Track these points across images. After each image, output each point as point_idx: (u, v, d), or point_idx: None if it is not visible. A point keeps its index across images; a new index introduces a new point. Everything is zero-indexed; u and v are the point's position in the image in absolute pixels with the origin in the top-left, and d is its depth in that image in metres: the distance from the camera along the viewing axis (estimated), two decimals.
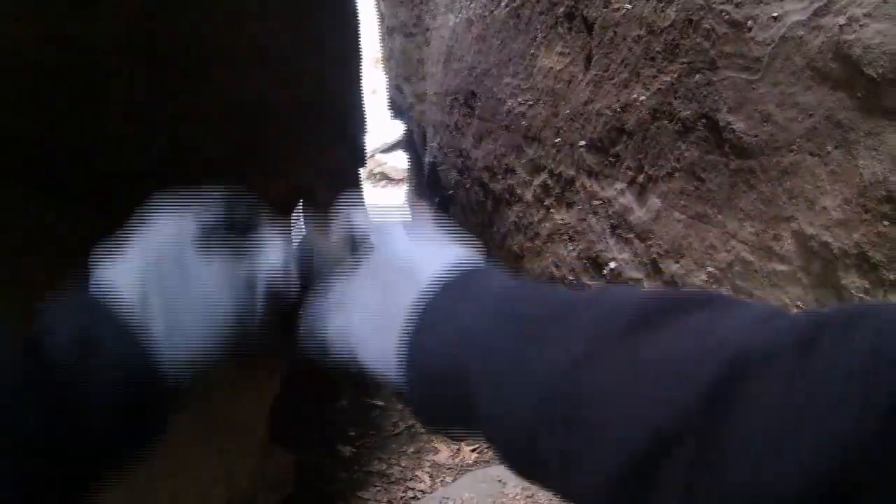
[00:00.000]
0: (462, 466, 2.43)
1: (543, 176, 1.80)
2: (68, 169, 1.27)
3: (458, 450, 2.48)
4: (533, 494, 1.67)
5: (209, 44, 1.48)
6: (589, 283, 1.55)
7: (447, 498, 1.66)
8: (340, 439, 2.40)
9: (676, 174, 1.16)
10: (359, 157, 2.96)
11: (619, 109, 1.36)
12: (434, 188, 3.50)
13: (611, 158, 1.42)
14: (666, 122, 1.18)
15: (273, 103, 1.86)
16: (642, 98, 1.26)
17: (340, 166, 3.13)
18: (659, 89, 1.19)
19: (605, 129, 1.42)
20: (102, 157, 1.33)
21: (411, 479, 2.21)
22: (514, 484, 1.69)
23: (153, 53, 1.36)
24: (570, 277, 1.67)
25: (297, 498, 1.74)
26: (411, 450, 2.45)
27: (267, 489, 1.41)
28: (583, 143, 1.54)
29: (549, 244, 1.81)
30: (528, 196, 1.95)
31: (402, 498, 2.13)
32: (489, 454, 2.42)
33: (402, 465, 2.31)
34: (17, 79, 1.13)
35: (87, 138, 1.28)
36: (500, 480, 1.72)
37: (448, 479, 2.22)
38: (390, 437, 2.51)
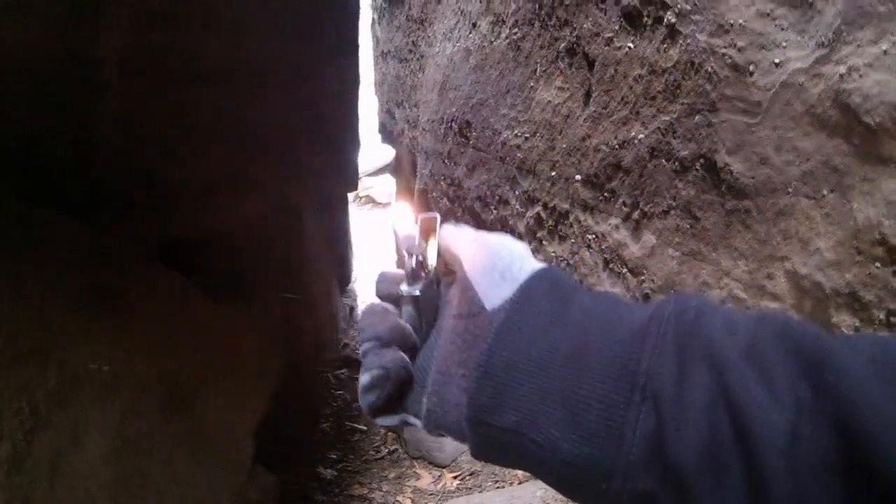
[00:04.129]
0: (444, 493, 2.40)
1: (537, 208, 1.82)
2: (63, 177, 1.26)
3: (440, 476, 2.45)
4: None
5: (206, 61, 1.49)
6: None
7: None
8: (322, 462, 2.36)
9: (672, 212, 1.18)
10: (351, 180, 2.96)
11: (616, 146, 1.38)
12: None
13: (606, 194, 1.44)
14: (664, 160, 1.21)
15: (267, 123, 1.86)
16: (641, 136, 1.28)
17: (331, 188, 3.13)
18: (658, 128, 1.21)
19: (602, 165, 1.44)
20: (94, 165, 1.32)
21: None
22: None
23: (149, 67, 1.36)
24: None
25: None
26: (393, 475, 2.42)
27: None
28: (578, 177, 1.56)
29: None
30: (521, 227, 1.96)
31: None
32: (471, 482, 2.40)
33: (384, 489, 2.27)
34: (15, 86, 1.13)
35: (80, 147, 1.28)
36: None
37: None
38: (372, 461, 2.48)
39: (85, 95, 1.22)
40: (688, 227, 1.14)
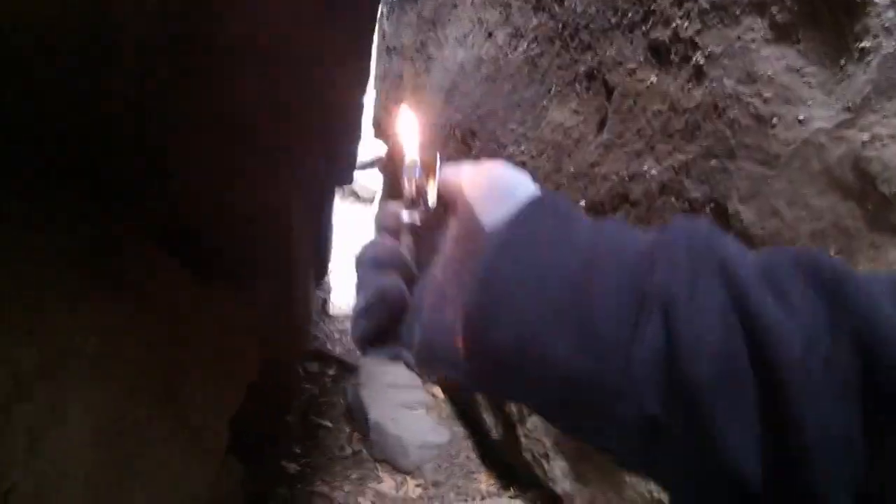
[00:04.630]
0: (405, 500, 2.39)
1: None
2: (68, 156, 1.23)
3: (403, 482, 2.44)
4: None
5: (224, 44, 1.45)
6: None
7: None
8: (286, 456, 2.34)
9: None
10: (347, 174, 2.90)
11: (626, 177, 1.39)
12: None
13: None
14: (673, 198, 1.22)
15: (275, 110, 1.83)
16: (653, 171, 1.29)
17: (326, 180, 3.08)
18: (672, 166, 1.23)
19: (609, 195, 1.46)
20: (101, 146, 1.29)
21: None
22: None
23: (167, 49, 1.32)
24: None
25: None
26: (355, 475, 2.40)
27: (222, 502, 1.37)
28: (583, 203, 1.57)
29: None
30: None
31: None
32: (433, 491, 2.39)
33: (346, 490, 2.26)
34: (30, 57, 1.08)
35: (89, 127, 1.25)
36: None
37: None
38: (336, 459, 2.46)
39: (99, 75, 1.18)
40: None
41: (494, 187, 0.42)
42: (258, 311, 1.75)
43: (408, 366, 0.48)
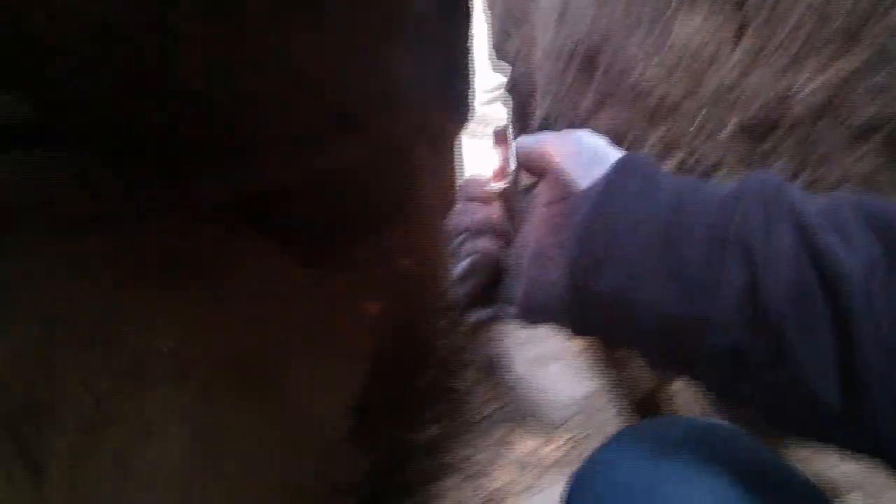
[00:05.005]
0: (542, 466, 2.41)
1: (680, 155, 1.75)
2: (135, 130, 1.22)
3: (547, 441, 2.48)
4: None
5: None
6: None
7: None
8: (416, 425, 2.44)
9: (847, 183, 1.11)
10: (462, 114, 2.88)
11: (775, 97, 1.29)
12: None
13: (766, 148, 1.36)
14: (834, 121, 1.12)
15: (366, 58, 1.74)
16: (806, 90, 1.19)
17: (442, 124, 3.05)
18: (827, 84, 1.12)
19: (759, 116, 1.36)
20: (171, 117, 1.25)
21: (489, 475, 2.23)
22: None
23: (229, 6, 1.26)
24: None
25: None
26: (492, 441, 2.46)
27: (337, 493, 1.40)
28: (731, 126, 1.48)
29: None
30: None
31: (477, 495, 2.16)
32: (581, 449, 2.44)
33: (480, 457, 2.34)
34: (86, 32, 1.03)
35: (155, 98, 1.21)
36: None
37: (529, 478, 2.22)
38: (471, 423, 2.53)
39: (160, 40, 1.11)
40: None
41: (583, 153, 0.49)
42: (378, 281, 1.75)
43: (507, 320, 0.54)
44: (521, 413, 2.61)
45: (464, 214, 0.56)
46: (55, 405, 0.87)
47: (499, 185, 0.56)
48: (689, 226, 0.41)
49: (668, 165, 1.83)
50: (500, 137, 0.58)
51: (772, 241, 0.37)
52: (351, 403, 1.44)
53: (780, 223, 0.37)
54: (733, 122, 1.47)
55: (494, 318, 0.55)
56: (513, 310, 0.52)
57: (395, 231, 2.18)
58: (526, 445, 2.46)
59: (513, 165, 0.55)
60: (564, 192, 0.48)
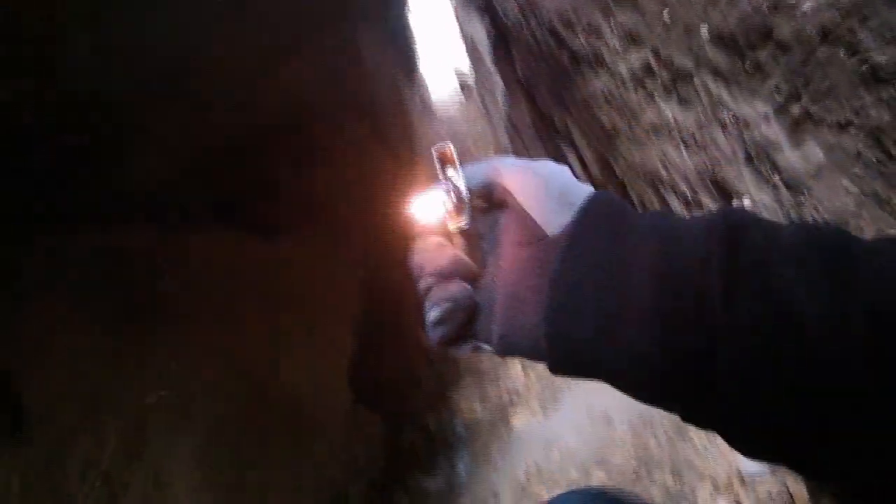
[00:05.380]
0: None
1: (644, 53, 1.55)
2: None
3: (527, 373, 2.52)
4: (644, 442, 1.73)
5: None
6: (711, 209, 1.41)
7: (550, 442, 1.73)
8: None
9: (852, 130, 0.97)
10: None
11: (767, 7, 1.09)
12: (489, 12, 3.10)
13: (748, 65, 1.19)
14: (843, 53, 0.95)
15: None
16: (805, 6, 1.00)
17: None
18: (835, 5, 0.93)
19: (743, 25, 1.17)
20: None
21: (503, 377, 2.29)
22: (621, 421, 1.74)
23: None
24: (684, 188, 1.53)
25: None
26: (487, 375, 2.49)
27: (355, 474, 1.49)
28: (705, 30, 1.28)
29: (653, 137, 1.63)
30: (622, 70, 1.70)
31: (495, 395, 2.23)
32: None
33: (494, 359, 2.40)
34: None
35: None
36: (607, 418, 1.77)
37: (543, 378, 2.28)
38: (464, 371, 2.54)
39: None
40: (874, 160, 0.94)
41: (549, 193, 0.49)
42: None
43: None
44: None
45: (428, 253, 0.55)
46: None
47: (458, 224, 0.54)
48: (655, 274, 0.42)
49: (636, 60, 1.63)
50: (446, 158, 0.55)
51: (734, 305, 0.38)
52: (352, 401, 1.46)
53: (743, 281, 0.39)
54: (705, 27, 1.27)
55: (471, 352, 0.56)
56: (488, 347, 0.52)
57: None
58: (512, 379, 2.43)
59: (465, 193, 0.54)
60: (533, 235, 0.49)
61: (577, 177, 0.51)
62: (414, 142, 3.55)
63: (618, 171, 1.94)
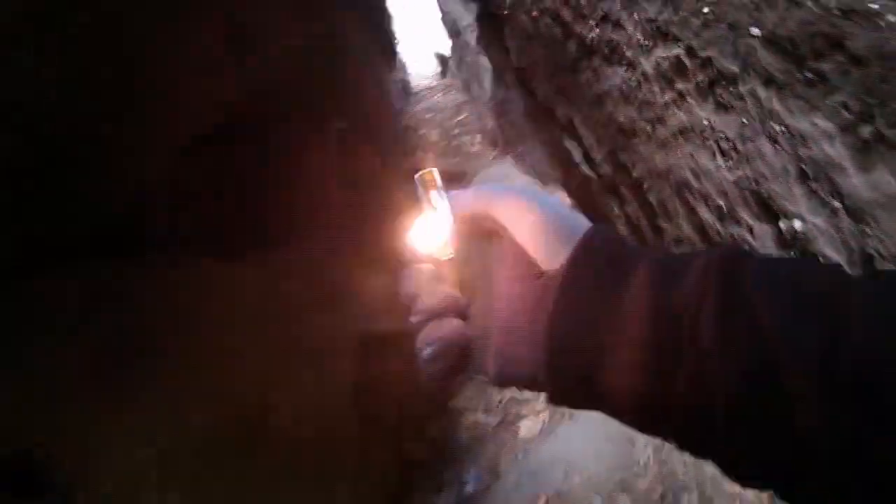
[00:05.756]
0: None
1: (676, 50, 1.43)
2: None
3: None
4: (666, 461, 1.65)
5: None
6: (750, 225, 1.31)
7: (570, 465, 1.64)
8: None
9: None
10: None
11: (837, 10, 0.98)
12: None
13: (810, 75, 1.07)
14: None
15: None
16: (893, 17, 0.89)
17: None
18: None
19: (806, 31, 1.05)
20: None
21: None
22: (644, 443, 1.66)
23: None
24: (718, 200, 1.42)
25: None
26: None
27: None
28: (756, 31, 1.16)
29: (682, 141, 1.51)
30: (647, 66, 1.58)
31: (499, 401, 2.13)
32: None
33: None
34: None
35: None
36: (629, 440, 1.68)
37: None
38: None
39: None
40: None
41: (546, 231, 0.49)
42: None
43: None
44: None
45: (421, 288, 0.56)
46: None
47: (445, 253, 0.55)
48: (650, 314, 0.43)
49: (662, 56, 1.50)
50: (430, 184, 0.54)
51: (725, 349, 0.39)
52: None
53: (734, 324, 0.40)
54: (756, 29, 1.15)
55: (466, 382, 0.59)
56: (485, 379, 0.53)
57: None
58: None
59: (450, 221, 0.54)
60: (528, 270, 0.49)
61: (574, 186, 0.50)
62: (398, 136, 3.39)
63: (635, 173, 1.83)
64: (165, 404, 1.07)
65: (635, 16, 1.55)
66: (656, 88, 1.57)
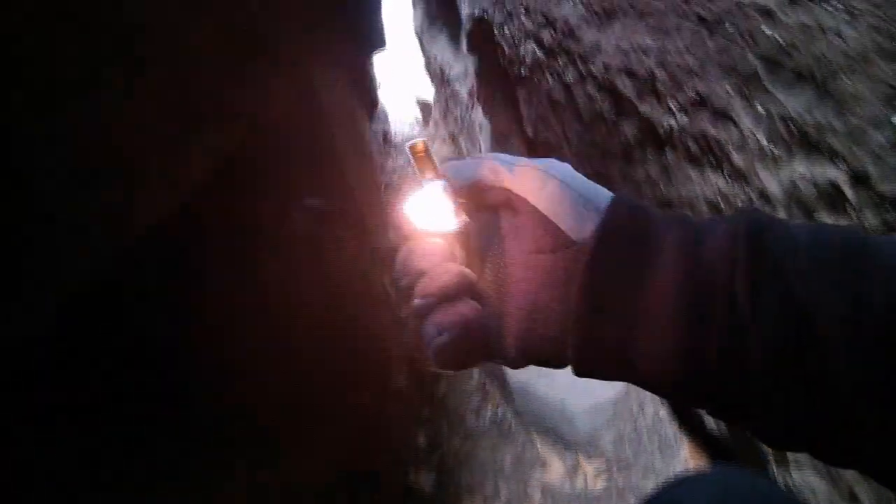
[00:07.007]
0: (586, 498, 1.94)
1: (833, 172, 0.94)
2: None
3: (576, 464, 1.96)
4: None
5: None
6: None
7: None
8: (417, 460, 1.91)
9: None
10: (378, 40, 2.40)
11: None
12: (475, 51, 2.42)
13: None
14: None
15: None
16: None
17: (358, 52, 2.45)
18: None
19: None
20: None
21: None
22: None
23: None
24: None
25: None
26: (509, 459, 1.97)
27: None
28: None
29: None
30: (770, 184, 1.08)
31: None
32: (621, 479, 1.90)
33: (502, 487, 1.87)
34: None
35: None
36: None
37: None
38: (474, 435, 2.03)
39: None
40: None
41: (572, 199, 0.47)
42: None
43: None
44: (535, 424, 2.02)
45: (424, 275, 0.48)
46: None
47: (450, 227, 0.50)
48: (678, 282, 0.42)
49: (805, 183, 1.01)
50: (421, 154, 0.50)
51: (756, 307, 0.39)
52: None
53: (764, 283, 0.39)
54: None
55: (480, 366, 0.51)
56: (503, 362, 0.49)
57: None
58: (553, 469, 1.96)
59: (449, 192, 0.50)
60: (555, 243, 0.46)
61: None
62: (379, 192, 2.94)
63: None
64: None
65: (756, 102, 1.06)
66: (782, 214, 1.08)
